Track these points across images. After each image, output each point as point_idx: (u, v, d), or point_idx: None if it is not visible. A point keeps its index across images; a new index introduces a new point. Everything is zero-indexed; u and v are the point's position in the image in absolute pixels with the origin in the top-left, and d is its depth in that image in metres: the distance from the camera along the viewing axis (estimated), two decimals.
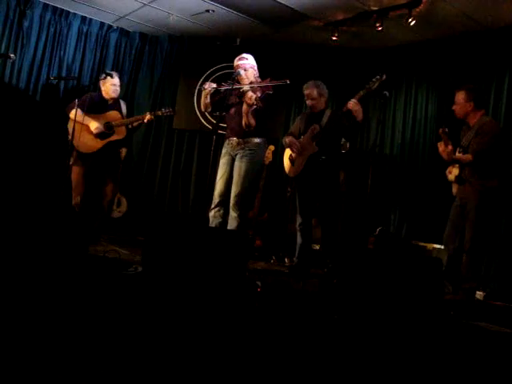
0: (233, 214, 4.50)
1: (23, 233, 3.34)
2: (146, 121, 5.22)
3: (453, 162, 4.29)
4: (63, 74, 6.36)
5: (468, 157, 4.13)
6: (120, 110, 5.35)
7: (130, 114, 5.71)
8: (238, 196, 4.47)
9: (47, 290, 2.73)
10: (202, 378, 1.78)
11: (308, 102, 4.77)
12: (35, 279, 2.88)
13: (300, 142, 4.75)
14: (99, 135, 5.16)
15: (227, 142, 4.66)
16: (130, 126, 5.32)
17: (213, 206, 4.62)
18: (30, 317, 2.18)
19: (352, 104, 4.39)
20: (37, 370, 1.62)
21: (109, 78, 5.28)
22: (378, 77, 4.40)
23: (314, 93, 4.70)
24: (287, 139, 4.86)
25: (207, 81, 5.34)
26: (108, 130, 5.18)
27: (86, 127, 5.13)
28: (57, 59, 6.35)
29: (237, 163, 4.54)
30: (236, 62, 4.64)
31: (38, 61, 6.20)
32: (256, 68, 4.65)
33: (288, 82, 4.31)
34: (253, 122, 4.44)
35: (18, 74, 6.01)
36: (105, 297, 2.80)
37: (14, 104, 5.95)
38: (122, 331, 2.19)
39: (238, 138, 4.56)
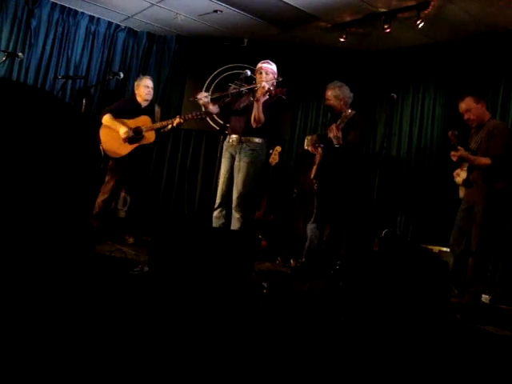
0: (236, 215, 4.50)
1: (30, 231, 3.35)
2: (175, 124, 5.19)
3: (463, 161, 4.22)
4: (70, 73, 6.38)
5: (486, 160, 4.08)
6: (152, 115, 5.35)
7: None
8: (241, 197, 4.47)
9: (53, 288, 2.73)
10: (208, 377, 1.78)
11: (325, 103, 4.82)
12: (41, 278, 2.89)
13: (316, 144, 4.84)
14: (128, 140, 5.18)
15: (228, 139, 4.66)
16: (161, 131, 5.32)
17: (215, 206, 4.62)
18: (34, 316, 2.18)
19: (328, 130, 4.56)
20: (41, 368, 1.62)
21: (143, 79, 5.36)
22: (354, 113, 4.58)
23: (329, 94, 4.73)
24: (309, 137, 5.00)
25: (209, 86, 5.35)
26: (137, 134, 5.20)
27: (115, 132, 5.18)
28: (64, 58, 6.38)
29: (238, 163, 4.53)
30: (260, 64, 4.62)
31: (46, 60, 6.24)
32: (276, 77, 4.63)
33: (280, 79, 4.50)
34: (262, 117, 4.43)
35: (25, 73, 6.05)
36: (111, 296, 2.81)
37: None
38: (128, 331, 2.20)
39: (238, 136, 4.56)
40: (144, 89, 5.33)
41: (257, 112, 4.42)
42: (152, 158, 5.88)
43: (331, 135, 4.50)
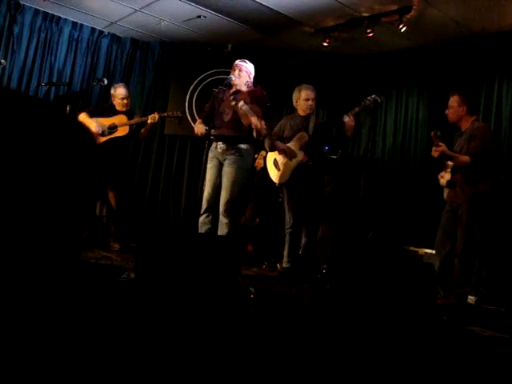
0: (224, 220, 4.49)
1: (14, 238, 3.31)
2: (149, 121, 5.19)
3: (448, 158, 4.26)
4: (54, 80, 6.33)
5: (466, 158, 4.13)
6: (130, 117, 5.33)
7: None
8: (229, 202, 4.47)
9: (38, 296, 2.71)
10: None
11: (308, 103, 4.81)
12: (25, 284, 2.86)
13: (289, 147, 4.78)
14: (101, 134, 5.20)
15: (215, 145, 4.63)
16: (133, 127, 5.30)
17: (202, 211, 4.60)
18: (19, 323, 2.16)
19: (347, 119, 4.50)
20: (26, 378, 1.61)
21: (118, 90, 5.35)
22: (375, 97, 4.51)
23: (313, 95, 4.84)
24: (278, 143, 4.86)
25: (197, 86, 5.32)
26: (110, 129, 5.21)
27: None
28: (47, 65, 6.32)
29: (226, 169, 4.53)
30: (236, 62, 4.67)
31: (29, 66, 6.18)
32: (251, 76, 4.66)
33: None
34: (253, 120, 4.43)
35: (8, 80, 5.98)
36: (97, 304, 2.78)
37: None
38: (115, 338, 2.18)
39: (226, 143, 4.56)
40: (119, 101, 5.35)
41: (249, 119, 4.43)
42: (128, 154, 5.83)
43: (349, 124, 4.49)
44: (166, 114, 5.31)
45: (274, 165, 4.93)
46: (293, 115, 5.02)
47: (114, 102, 5.38)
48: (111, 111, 5.37)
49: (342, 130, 4.58)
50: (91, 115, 5.26)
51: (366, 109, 4.65)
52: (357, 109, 4.57)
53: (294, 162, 4.74)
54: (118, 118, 5.29)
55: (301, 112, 4.87)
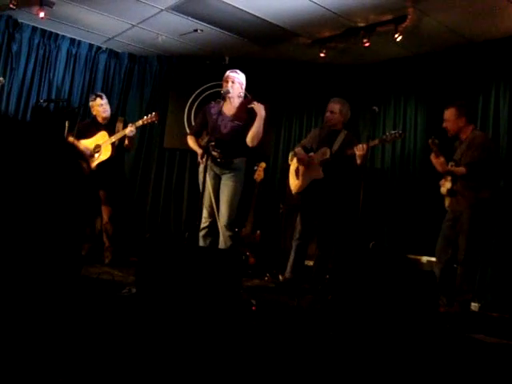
0: (227, 233, 4.50)
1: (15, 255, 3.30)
2: (127, 133, 5.15)
3: (447, 173, 4.31)
4: (53, 97, 6.37)
5: (462, 169, 4.17)
6: (111, 130, 5.32)
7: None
8: (230, 216, 4.48)
9: (39, 312, 2.70)
10: None
11: (326, 114, 4.79)
12: (27, 301, 2.85)
13: (309, 157, 4.78)
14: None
15: (211, 158, 4.61)
16: (116, 143, 5.27)
17: (204, 225, 4.59)
18: (20, 340, 2.15)
19: (359, 148, 4.42)
20: None
21: (97, 99, 5.33)
22: (396, 133, 4.42)
23: (335, 107, 4.73)
24: (298, 150, 4.89)
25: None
26: (95, 151, 5.21)
27: None
28: (46, 82, 6.36)
29: (225, 183, 4.54)
30: (227, 73, 4.63)
31: (28, 84, 6.21)
32: (243, 87, 4.65)
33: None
34: (261, 131, 4.49)
35: (7, 98, 6.01)
36: (99, 319, 2.78)
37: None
38: (117, 353, 2.17)
39: (223, 157, 4.55)
40: (99, 108, 5.34)
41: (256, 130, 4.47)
42: (123, 166, 5.79)
43: (359, 153, 4.38)
44: (141, 122, 5.23)
45: (295, 173, 4.92)
46: (322, 126, 5.03)
47: (94, 113, 5.39)
48: (94, 126, 5.35)
49: (352, 158, 4.51)
50: (77, 138, 5.23)
51: (384, 142, 4.65)
52: (376, 141, 4.59)
53: (310, 176, 4.73)
54: (101, 137, 5.26)
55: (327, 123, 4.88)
